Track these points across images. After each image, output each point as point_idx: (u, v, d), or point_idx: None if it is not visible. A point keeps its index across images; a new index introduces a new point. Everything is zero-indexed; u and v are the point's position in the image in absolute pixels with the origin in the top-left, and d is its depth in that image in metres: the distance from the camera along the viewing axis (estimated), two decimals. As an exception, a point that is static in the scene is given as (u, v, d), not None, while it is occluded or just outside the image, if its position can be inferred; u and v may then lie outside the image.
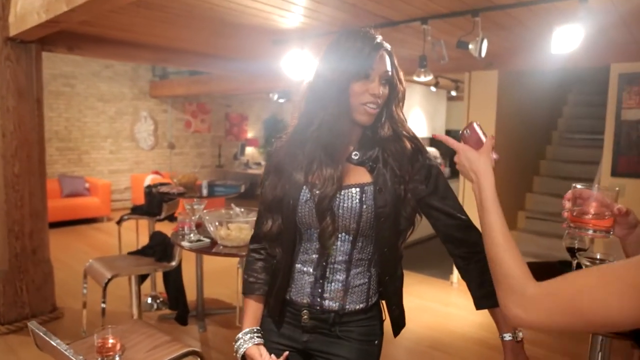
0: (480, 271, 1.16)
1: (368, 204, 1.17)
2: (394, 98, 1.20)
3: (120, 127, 8.36)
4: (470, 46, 2.84)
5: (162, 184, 3.92)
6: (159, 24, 3.41)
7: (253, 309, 1.31)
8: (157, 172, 8.04)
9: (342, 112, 1.14)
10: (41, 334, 1.36)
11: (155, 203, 3.90)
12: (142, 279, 2.71)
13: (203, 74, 7.31)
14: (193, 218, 2.15)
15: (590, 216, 1.01)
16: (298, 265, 1.25)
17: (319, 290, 1.21)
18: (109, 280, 2.43)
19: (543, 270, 2.13)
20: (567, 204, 1.04)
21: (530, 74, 4.77)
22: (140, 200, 4.49)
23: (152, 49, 4.32)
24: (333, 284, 1.21)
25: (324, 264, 1.21)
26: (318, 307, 1.21)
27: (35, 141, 3.62)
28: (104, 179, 7.88)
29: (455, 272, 4.76)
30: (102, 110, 8.08)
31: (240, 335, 1.26)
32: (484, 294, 1.16)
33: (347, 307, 1.21)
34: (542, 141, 5.85)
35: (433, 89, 6.47)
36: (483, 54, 2.84)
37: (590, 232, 1.02)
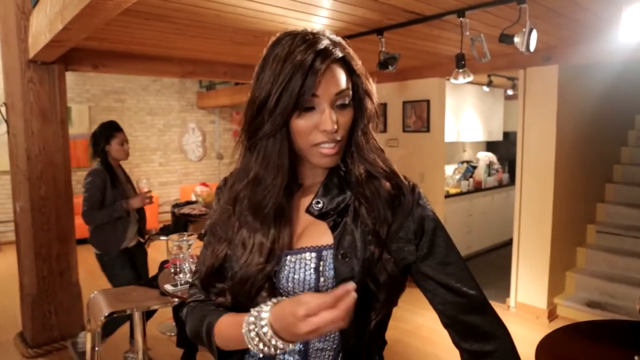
0: None
1: (327, 276, 0.83)
2: (360, 121, 0.85)
3: (169, 139, 8.44)
4: (516, 39, 2.39)
5: (187, 203, 3.74)
6: (174, 36, 3.23)
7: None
8: (204, 184, 8.00)
9: (281, 163, 0.82)
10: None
11: (181, 223, 3.73)
12: (149, 314, 2.49)
13: (248, 83, 7.18)
14: (182, 255, 1.89)
15: None
16: (246, 356, 0.91)
17: None
18: (107, 317, 2.22)
19: (609, 332, 1.68)
20: None
21: (597, 67, 4.14)
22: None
23: (177, 62, 4.18)
24: None
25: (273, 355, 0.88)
26: None
27: (60, 163, 3.56)
28: (153, 192, 7.96)
29: (514, 292, 4.22)
30: (151, 124, 8.20)
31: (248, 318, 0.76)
32: None
33: None
34: (617, 143, 5.11)
35: (486, 88, 5.89)
36: (532, 48, 2.37)
37: None
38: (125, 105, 7.87)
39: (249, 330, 0.74)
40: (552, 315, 4.07)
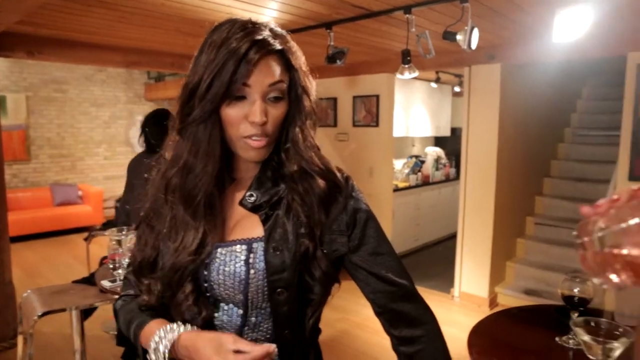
0: None
1: (257, 268, 0.82)
2: (296, 117, 0.84)
3: (115, 132, 8.14)
4: (459, 37, 2.46)
5: (131, 197, 3.60)
6: (117, 24, 3.10)
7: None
8: (152, 178, 7.80)
9: (211, 152, 0.81)
10: None
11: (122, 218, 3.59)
12: (87, 313, 2.39)
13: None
14: (122, 250, 1.82)
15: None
16: None
17: None
18: (40, 316, 2.11)
19: (537, 317, 1.78)
20: (600, 223, 0.52)
21: (537, 66, 4.34)
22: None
23: (121, 51, 4.01)
24: None
25: None
26: None
27: (-10, 155, 3.35)
28: (98, 186, 7.67)
29: (458, 283, 4.37)
30: (95, 115, 7.87)
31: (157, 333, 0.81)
32: None
33: None
34: (554, 139, 5.39)
35: (434, 85, 6.04)
36: (473, 46, 2.44)
37: (618, 279, 0.51)
38: (68, 95, 7.49)
39: (152, 348, 0.79)
40: (492, 303, 4.25)
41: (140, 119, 8.38)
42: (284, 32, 0.84)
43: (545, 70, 4.49)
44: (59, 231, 6.73)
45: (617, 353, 0.93)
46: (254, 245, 0.83)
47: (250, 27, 0.78)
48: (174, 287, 0.83)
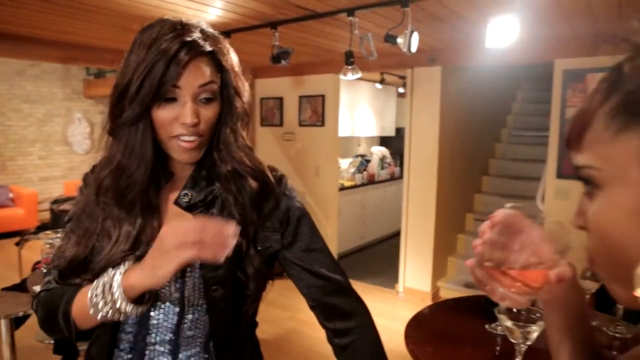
0: (360, 353, 0.85)
1: (193, 266, 0.83)
2: (228, 119, 0.85)
3: (51, 130, 7.71)
4: (399, 40, 2.54)
5: (68, 199, 3.46)
6: (54, 17, 2.96)
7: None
8: (92, 178, 7.48)
9: (143, 153, 0.81)
10: None
11: (61, 220, 3.44)
12: (20, 321, 2.27)
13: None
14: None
15: (516, 268, 0.58)
16: (115, 351, 0.90)
17: None
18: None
19: (469, 307, 1.88)
20: (487, 235, 0.59)
21: (476, 70, 4.55)
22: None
23: (59, 46, 3.83)
24: None
25: (143, 344, 0.87)
26: None
27: None
28: (32, 188, 7.25)
29: (402, 278, 4.51)
30: (28, 113, 7.41)
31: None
32: None
33: None
34: (491, 139, 5.67)
35: (379, 85, 6.19)
36: (413, 49, 2.54)
37: (501, 292, 0.58)
38: (-5, 91, 7.03)
39: (96, 287, 0.74)
40: (435, 297, 4.41)
41: (79, 116, 8.02)
42: (215, 33, 0.85)
43: (484, 74, 4.72)
44: (-14, 236, 6.32)
45: (534, 335, 1.01)
46: None
47: (180, 28, 0.78)
48: None
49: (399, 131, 7.42)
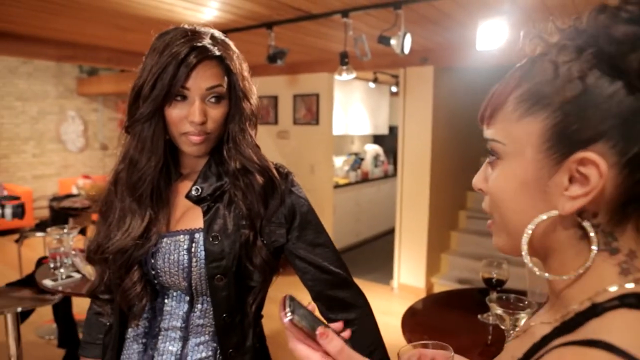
0: (360, 341, 0.92)
1: (198, 257, 0.90)
2: (237, 119, 0.91)
3: (44, 128, 7.70)
4: (393, 41, 2.61)
5: (67, 196, 3.50)
6: (49, 15, 2.99)
7: None
8: (87, 176, 7.48)
9: (155, 148, 0.88)
10: None
11: (61, 217, 3.48)
12: (24, 316, 2.31)
13: (133, 70, 6.79)
14: (63, 248, 1.80)
15: None
16: (129, 329, 0.97)
17: None
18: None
19: (463, 298, 1.96)
20: None
21: (469, 70, 4.63)
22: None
23: (54, 44, 3.86)
24: (164, 356, 0.93)
25: (157, 329, 0.93)
26: None
27: None
28: (26, 186, 7.24)
29: (396, 275, 4.59)
30: (22, 110, 7.40)
31: None
32: None
33: None
34: (483, 138, 5.74)
35: (372, 84, 6.25)
36: (406, 50, 2.60)
37: None
38: (-13, 88, 7.01)
39: None
40: (429, 293, 4.49)
41: (72, 114, 8.01)
42: (226, 39, 0.91)
43: (476, 74, 4.79)
44: (-20, 234, 6.31)
45: (522, 322, 1.09)
46: (196, 235, 0.91)
47: (191, 34, 0.85)
48: (122, 272, 0.89)
49: (392, 129, 7.50)
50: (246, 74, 0.93)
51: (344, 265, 0.99)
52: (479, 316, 1.64)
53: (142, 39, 3.68)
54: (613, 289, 0.45)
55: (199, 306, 0.92)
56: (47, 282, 1.79)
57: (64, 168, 8.01)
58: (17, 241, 3.43)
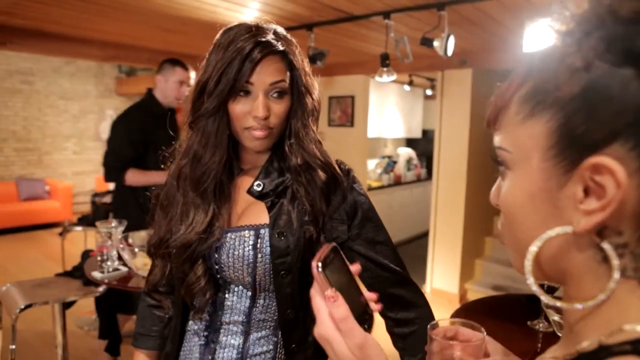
0: (420, 342, 0.90)
1: (264, 252, 0.90)
2: (299, 114, 0.91)
3: (85, 126, 7.96)
4: (436, 43, 2.58)
5: (108, 192, 3.60)
6: (96, 17, 3.09)
7: None
8: (123, 174, 7.67)
9: (219, 143, 0.88)
10: None
11: (101, 212, 3.58)
12: (68, 306, 2.39)
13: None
14: (110, 242, 1.85)
15: None
16: (190, 323, 0.98)
17: (209, 357, 0.94)
18: (22, 310, 2.11)
19: (509, 304, 1.91)
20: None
21: (508, 73, 4.52)
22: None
23: (98, 44, 3.97)
24: (226, 350, 0.93)
25: (219, 323, 0.94)
26: None
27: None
28: (67, 181, 7.49)
29: (429, 279, 4.53)
30: (64, 109, 7.67)
31: None
32: None
33: None
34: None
35: (407, 87, 6.20)
36: (449, 52, 2.57)
37: None
38: (34, 87, 7.27)
39: None
40: (462, 299, 4.42)
41: (111, 113, 8.24)
42: (288, 35, 0.92)
43: (513, 76, 4.69)
44: (24, 227, 6.55)
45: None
46: (261, 231, 0.91)
47: (255, 30, 0.85)
48: (186, 266, 0.90)
49: (426, 133, 7.42)
50: (308, 69, 0.93)
51: (402, 264, 0.98)
52: (529, 322, 1.59)
53: (183, 40, 3.76)
54: (630, 328, 0.37)
55: (261, 301, 0.93)
56: (96, 274, 1.85)
57: (101, 165, 8.22)
58: (61, 234, 3.54)
